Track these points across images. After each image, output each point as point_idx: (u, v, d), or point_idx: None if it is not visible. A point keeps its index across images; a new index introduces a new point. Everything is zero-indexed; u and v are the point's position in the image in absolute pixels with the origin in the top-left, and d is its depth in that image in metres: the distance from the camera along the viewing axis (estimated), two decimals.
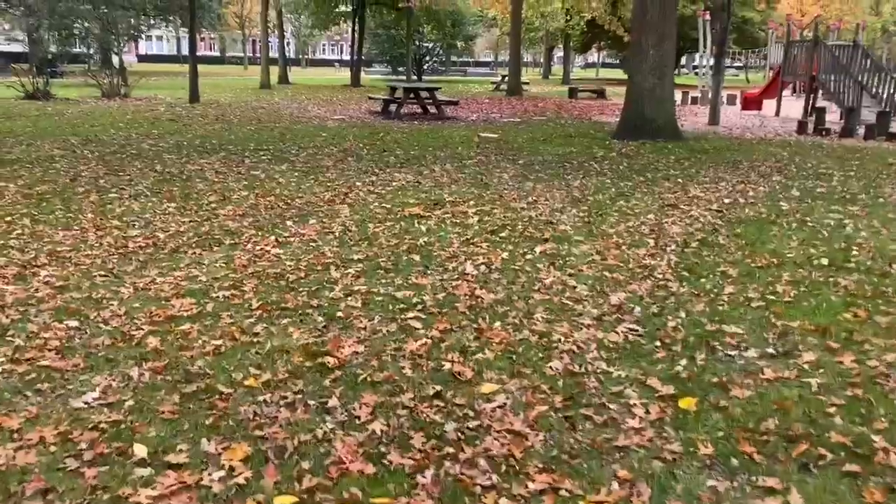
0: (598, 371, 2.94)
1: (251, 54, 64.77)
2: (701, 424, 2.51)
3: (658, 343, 3.24)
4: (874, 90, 15.75)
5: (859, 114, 13.85)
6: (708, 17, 26.13)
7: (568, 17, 36.11)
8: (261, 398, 2.65)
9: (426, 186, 7.21)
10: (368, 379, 2.83)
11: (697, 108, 19.82)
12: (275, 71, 31.29)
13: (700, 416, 2.57)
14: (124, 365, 2.95)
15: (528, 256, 4.67)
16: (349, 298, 3.79)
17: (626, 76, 49.90)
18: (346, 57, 47.05)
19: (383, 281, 4.11)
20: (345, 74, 37.53)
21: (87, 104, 16.90)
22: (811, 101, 17.25)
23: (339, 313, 3.56)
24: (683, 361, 3.04)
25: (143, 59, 74.02)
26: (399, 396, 2.68)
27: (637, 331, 3.39)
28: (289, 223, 5.45)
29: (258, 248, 4.78)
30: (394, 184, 7.33)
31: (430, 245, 4.91)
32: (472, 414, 2.56)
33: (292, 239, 5.02)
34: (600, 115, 17.37)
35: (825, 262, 4.59)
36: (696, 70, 41.21)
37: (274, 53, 34.04)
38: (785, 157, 9.77)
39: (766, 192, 7.08)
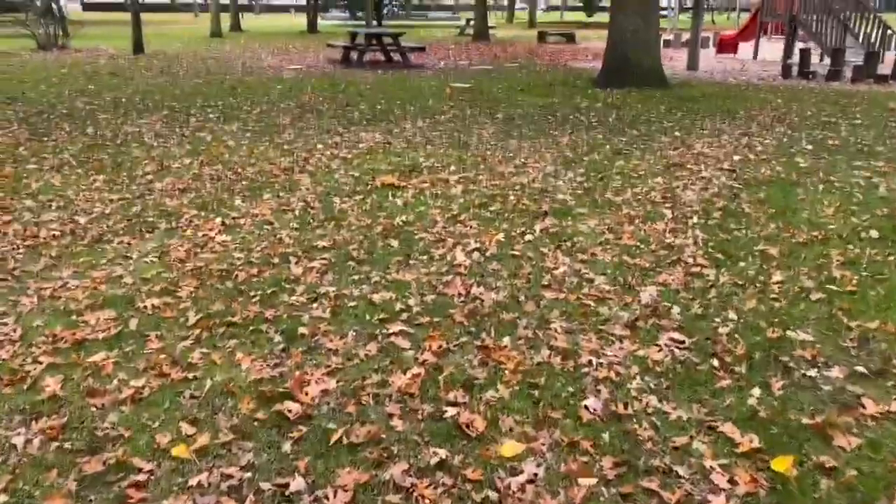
0: (650, 410, 2.21)
1: (202, 1, 61.73)
2: (811, 502, 1.81)
3: (715, 361, 2.52)
4: (857, 30, 15.13)
5: (844, 55, 13.21)
6: None
7: None
8: (193, 480, 1.88)
9: (398, 148, 6.35)
10: (344, 439, 2.06)
11: (671, 51, 18.96)
12: (226, 18, 29.55)
13: (805, 487, 1.86)
14: (6, 425, 2.14)
15: (528, 237, 3.90)
16: (314, 305, 3.00)
17: (589, 19, 48.66)
18: (303, 2, 45.01)
19: (356, 277, 3.31)
20: (301, 21, 35.74)
21: (19, 57, 15.45)
22: (790, 44, 16.57)
23: (302, 329, 2.77)
24: (756, 391, 2.32)
25: (89, 7, 70.22)
26: (388, 469, 1.93)
27: (684, 343, 2.67)
28: (238, 200, 4.58)
29: (200, 233, 3.92)
30: (361, 145, 6.45)
31: (409, 225, 4.11)
32: (493, 497, 1.82)
33: (242, 221, 4.17)
34: (574, 59, 16.46)
35: (874, 234, 3.92)
36: (664, 12, 40.15)
37: (226, 0, 32.17)
38: (780, 104, 9.07)
39: (776, 146, 6.37)
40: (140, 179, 5.09)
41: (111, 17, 44.02)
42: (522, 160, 5.85)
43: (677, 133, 7.03)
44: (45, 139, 6.57)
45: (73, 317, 2.89)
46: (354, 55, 14.54)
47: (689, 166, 5.60)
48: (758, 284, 3.24)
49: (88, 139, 6.56)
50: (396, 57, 14.78)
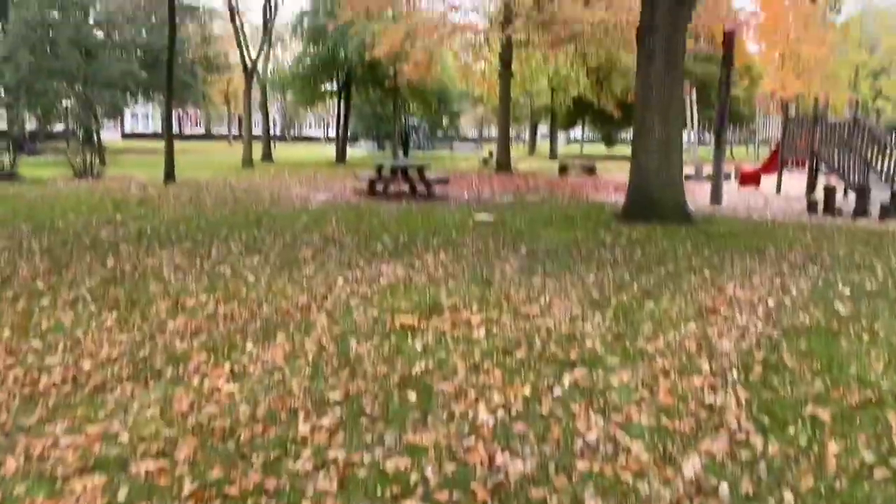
0: None
1: (236, 131, 64.73)
2: None
3: None
4: (880, 168, 15.19)
5: (870, 193, 13.17)
6: (694, 93, 26.01)
7: (554, 95, 36.13)
8: None
9: (419, 284, 6.21)
10: None
11: (693, 185, 19.12)
12: (259, 148, 30.73)
13: None
14: None
15: (556, 392, 3.63)
16: (320, 475, 2.72)
17: (608, 151, 49.98)
18: (332, 133, 46.91)
19: (368, 439, 3.05)
20: (330, 151, 37.08)
21: (56, 185, 15.96)
22: (813, 179, 16.66)
23: None
24: None
25: (128, 136, 74.09)
26: None
27: None
28: (250, 343, 4.39)
29: (207, 382, 3.71)
30: (381, 280, 6.33)
31: (428, 374, 3.87)
32: None
33: (252, 368, 3.96)
34: (596, 193, 16.64)
35: None
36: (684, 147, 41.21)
37: (258, 130, 33.60)
38: (810, 242, 8.90)
39: (811, 290, 6.13)
40: (153, 317, 4.94)
41: (148, 145, 46.16)
42: (547, 300, 5.65)
43: (706, 273, 6.84)
44: (64, 272, 6.53)
45: (59, 483, 2.64)
46: (380, 186, 14.79)
47: (722, 311, 5.36)
48: (812, 457, 2.91)
49: (107, 272, 6.51)
50: (421, 188, 15.03)
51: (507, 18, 22.33)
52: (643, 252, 7.96)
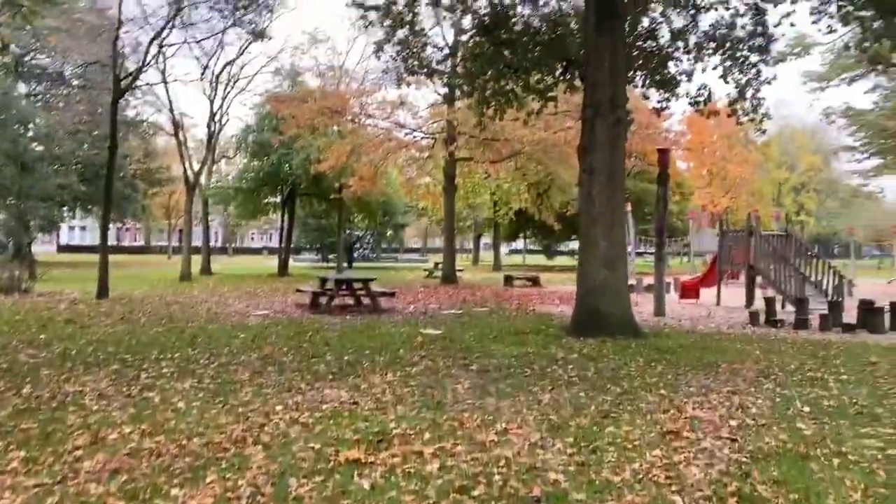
0: None
1: (176, 243, 63.73)
2: None
3: None
4: (812, 278, 15.65)
5: (808, 304, 13.45)
6: (629, 207, 26.90)
7: (497, 208, 36.91)
8: None
9: (366, 409, 5.81)
10: None
11: (635, 296, 19.30)
12: (198, 260, 30.11)
13: None
14: None
15: None
16: None
17: (549, 262, 50.80)
18: (276, 244, 46.61)
19: None
20: (273, 263, 36.61)
21: None
22: (751, 291, 17.04)
23: None
24: None
25: (64, 248, 72.18)
26: None
27: None
28: (176, 487, 3.90)
29: None
30: (324, 406, 5.90)
31: None
32: None
33: None
34: (542, 304, 16.61)
35: None
36: None
37: (199, 242, 33.07)
38: (759, 356, 8.87)
39: (770, 408, 5.97)
40: (67, 456, 4.40)
41: (84, 258, 44.84)
42: (503, 425, 5.32)
43: (663, 391, 6.64)
44: None
45: None
46: (323, 300, 14.43)
47: (685, 434, 5.12)
48: None
49: (21, 401, 5.91)
50: (367, 301, 14.72)
51: (450, 136, 22.95)
52: (596, 369, 7.74)
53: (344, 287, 14.77)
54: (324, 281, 15.56)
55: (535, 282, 24.24)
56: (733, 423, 5.45)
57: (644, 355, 8.65)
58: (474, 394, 6.43)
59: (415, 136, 24.57)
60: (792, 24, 13.82)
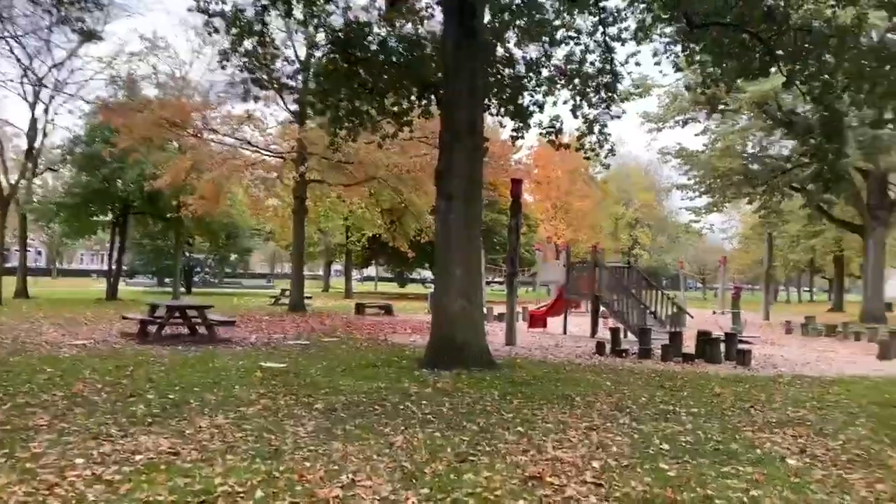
0: None
1: None
2: None
3: None
4: (655, 310, 16.26)
5: (650, 335, 13.86)
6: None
7: (349, 234, 36.14)
8: None
9: (188, 460, 4.95)
10: None
11: (486, 326, 19.33)
12: (14, 282, 26.93)
13: None
14: None
15: None
16: None
17: (402, 290, 50.67)
18: (105, 266, 43.04)
19: None
20: (101, 286, 33.59)
21: None
22: (596, 321, 17.48)
23: None
24: None
25: None
26: None
27: None
28: None
29: None
30: (137, 458, 4.97)
31: None
32: None
33: None
34: (394, 334, 16.07)
35: None
36: None
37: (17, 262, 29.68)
38: (611, 387, 8.81)
39: (630, 445, 5.75)
40: None
41: None
42: (351, 476, 4.68)
43: (521, 428, 6.26)
44: None
45: None
46: (153, 329, 13.06)
47: (548, 479, 4.72)
48: None
49: None
50: (202, 330, 13.50)
51: (300, 157, 22.06)
52: (451, 404, 7.27)
53: (176, 314, 13.48)
54: (154, 307, 14.14)
55: (387, 310, 23.72)
56: (596, 464, 5.13)
57: (499, 388, 8.31)
58: (318, 438, 5.73)
59: (263, 155, 23.40)
60: (637, 64, 14.45)
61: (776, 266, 48.21)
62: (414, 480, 4.63)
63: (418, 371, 9.49)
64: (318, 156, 21.03)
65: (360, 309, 23.31)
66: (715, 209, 30.92)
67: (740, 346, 13.40)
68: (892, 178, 26.71)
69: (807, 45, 10.27)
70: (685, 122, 27.82)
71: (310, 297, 27.52)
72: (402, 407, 7.08)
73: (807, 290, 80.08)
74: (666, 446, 5.74)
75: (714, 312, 29.66)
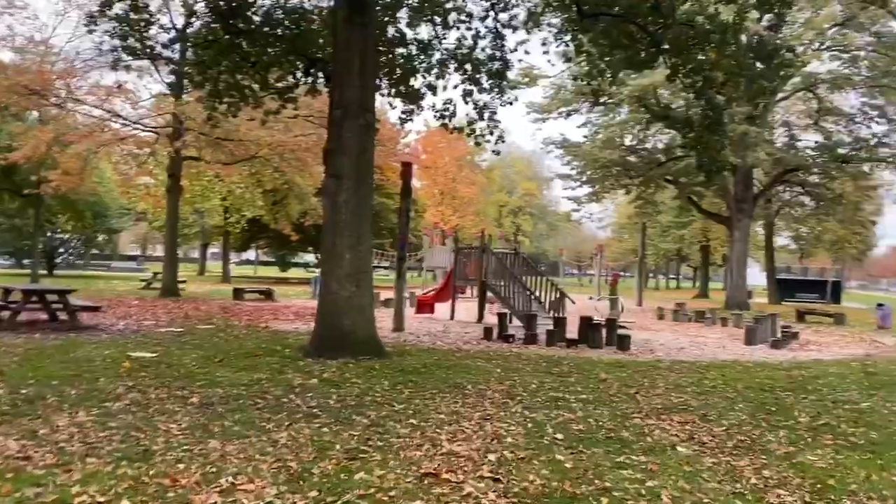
0: None
1: None
2: None
3: None
4: (540, 296, 16.48)
5: (536, 320, 14.01)
6: None
7: (228, 215, 34.62)
8: None
9: (41, 465, 4.37)
10: None
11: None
12: None
13: None
14: None
15: None
16: None
17: (283, 274, 49.36)
18: None
19: None
20: None
21: None
22: (482, 306, 17.54)
23: None
24: None
25: None
26: None
27: None
28: None
29: None
30: None
31: None
32: None
33: None
34: (276, 320, 15.44)
35: None
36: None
37: None
38: (501, 374, 8.74)
39: (525, 436, 5.63)
40: None
41: None
42: (230, 479, 4.27)
43: (413, 420, 6.02)
44: None
45: None
46: (6, 315, 11.84)
47: (444, 475, 4.50)
48: None
49: None
50: (63, 316, 12.39)
51: (176, 132, 20.77)
52: (339, 396, 6.92)
53: (34, 299, 12.29)
54: (7, 291, 12.85)
55: (268, 295, 22.86)
56: (492, 457, 4.96)
57: (389, 378, 8.03)
58: (194, 436, 5.24)
59: (134, 129, 21.87)
60: (527, 52, 14.49)
61: (648, 254, 50.69)
62: (301, 482, 4.28)
63: (303, 360, 9.04)
64: (196, 131, 19.86)
65: (238, 294, 22.32)
66: (595, 199, 31.96)
67: (620, 331, 13.78)
68: (755, 174, 28.50)
69: (691, 40, 10.55)
70: (568, 114, 28.47)
71: (184, 281, 26.14)
72: (285, 400, 6.66)
73: (673, 278, 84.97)
74: (560, 435, 5.67)
75: (591, 298, 30.74)
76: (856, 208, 33.37)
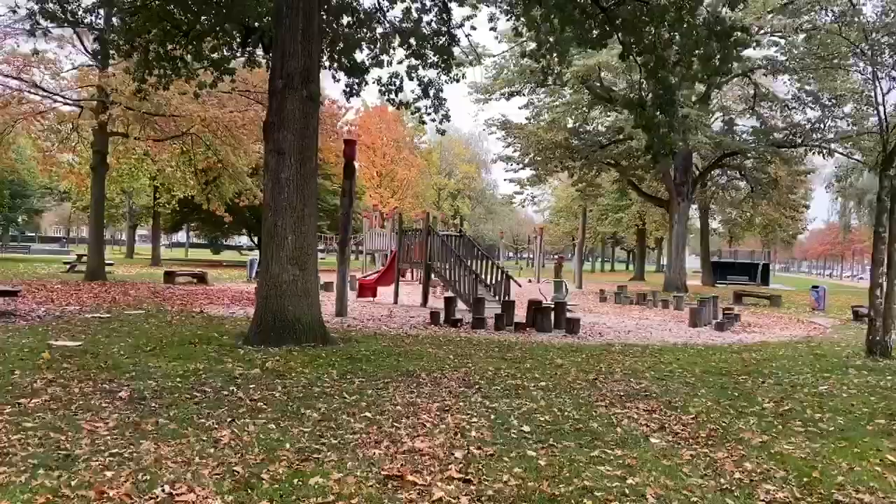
0: None
1: None
2: None
3: None
4: (487, 281, 16.17)
5: (483, 304, 13.69)
6: None
7: (158, 195, 33.10)
8: None
9: None
10: None
11: None
12: None
13: None
14: None
15: None
16: None
17: (216, 257, 47.87)
18: None
19: None
20: None
21: None
22: (427, 289, 17.14)
23: None
24: None
25: None
26: None
27: None
28: None
29: None
30: None
31: None
32: None
33: None
34: (211, 304, 14.69)
35: None
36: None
37: None
38: (454, 360, 8.37)
39: (490, 429, 5.25)
40: None
41: None
42: (166, 487, 3.74)
43: (368, 413, 5.56)
44: None
45: None
46: None
47: (409, 477, 4.07)
48: None
49: None
50: None
51: (101, 105, 19.51)
52: (285, 388, 6.40)
53: None
54: None
55: (201, 279, 21.92)
56: (459, 454, 4.56)
57: (338, 366, 7.54)
58: (123, 436, 4.66)
59: (56, 102, 20.48)
60: (473, 28, 14.02)
61: (585, 238, 51.22)
62: (249, 490, 3.78)
63: (243, 348, 8.45)
64: (123, 105, 18.66)
65: (170, 277, 21.29)
66: (539, 181, 31.84)
67: (569, 315, 13.61)
68: (694, 158, 28.87)
69: (645, 16, 10.29)
70: (511, 95, 28.16)
71: (111, 264, 24.86)
72: (226, 393, 6.10)
73: (608, 261, 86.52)
74: (526, 428, 5.31)
75: (530, 281, 30.73)
76: (790, 192, 34.27)
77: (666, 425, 5.58)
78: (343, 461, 4.34)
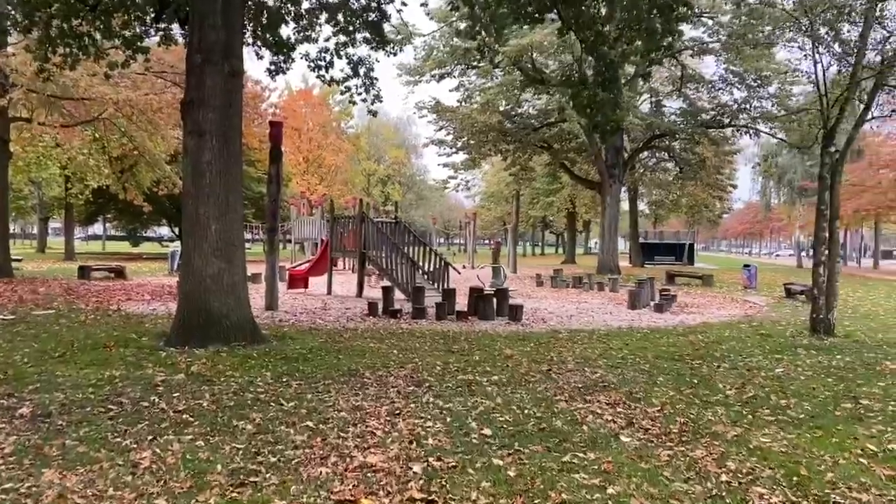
0: None
1: None
2: None
3: None
4: (426, 268, 15.64)
5: (424, 293, 13.18)
6: None
7: (69, 185, 31.13)
8: None
9: None
10: None
11: None
12: None
13: None
14: None
15: None
16: None
17: (134, 249, 45.68)
18: None
19: None
20: None
21: None
22: (362, 279, 16.50)
23: None
24: None
25: None
26: None
27: None
28: None
29: None
30: None
31: None
32: None
33: None
34: (129, 301, 13.64)
35: None
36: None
37: None
38: (399, 356, 7.83)
39: (448, 433, 4.76)
40: None
41: None
42: None
43: (310, 423, 4.98)
44: None
45: None
46: None
47: (364, 501, 3.54)
48: None
49: None
50: None
51: (2, 87, 17.95)
52: (214, 395, 5.73)
53: None
54: None
55: (119, 273, 20.59)
56: (417, 468, 4.04)
57: (272, 368, 6.89)
58: (21, 465, 3.95)
59: None
60: (404, 3, 13.39)
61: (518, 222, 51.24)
62: None
63: (164, 350, 7.68)
64: (24, 87, 17.19)
65: (84, 272, 19.90)
66: (473, 165, 31.43)
67: (512, 301, 13.24)
68: (624, 140, 29.00)
69: None
70: (441, 77, 27.59)
71: (19, 260, 23.18)
72: (146, 404, 5.40)
73: (538, 245, 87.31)
74: (487, 431, 4.84)
75: (465, 267, 30.38)
76: (717, 172, 34.97)
77: (633, 420, 5.21)
78: (285, 484, 3.76)
